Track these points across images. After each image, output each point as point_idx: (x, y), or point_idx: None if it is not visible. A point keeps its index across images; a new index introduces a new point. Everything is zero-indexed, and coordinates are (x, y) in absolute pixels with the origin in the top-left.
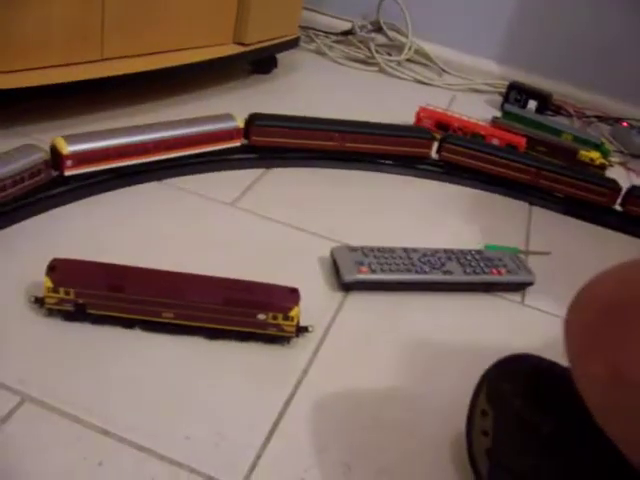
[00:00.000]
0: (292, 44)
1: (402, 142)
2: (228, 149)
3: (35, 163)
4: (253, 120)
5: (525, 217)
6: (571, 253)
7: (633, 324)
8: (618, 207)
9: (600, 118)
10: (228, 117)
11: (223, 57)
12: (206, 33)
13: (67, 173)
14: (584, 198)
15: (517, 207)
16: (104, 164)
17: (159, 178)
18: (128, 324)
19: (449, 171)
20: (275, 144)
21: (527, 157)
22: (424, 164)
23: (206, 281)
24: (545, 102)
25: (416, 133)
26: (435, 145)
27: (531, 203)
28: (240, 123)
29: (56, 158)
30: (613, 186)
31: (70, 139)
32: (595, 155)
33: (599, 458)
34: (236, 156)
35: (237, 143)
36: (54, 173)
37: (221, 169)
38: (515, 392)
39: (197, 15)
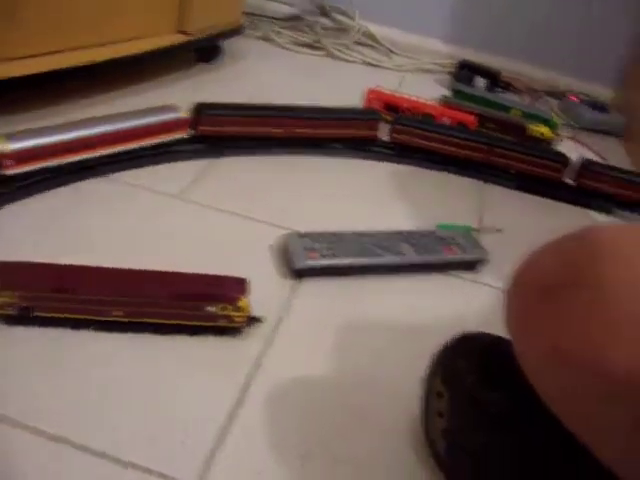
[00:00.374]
0: (237, 31)
1: (352, 125)
2: (175, 140)
3: None
4: (200, 110)
5: (478, 195)
6: (524, 228)
7: (573, 303)
8: (569, 181)
9: (549, 93)
10: (172, 108)
11: (166, 47)
12: (148, 23)
13: (8, 172)
14: (536, 174)
15: (470, 185)
16: (47, 161)
17: (104, 173)
18: (77, 325)
19: (400, 152)
20: (223, 133)
21: (479, 135)
22: (375, 146)
23: (153, 276)
24: (494, 79)
25: (366, 115)
26: (386, 127)
27: (484, 181)
28: (184, 113)
29: None
30: (563, 160)
31: (10, 137)
32: (544, 130)
33: (548, 434)
34: (183, 147)
35: (183, 134)
36: None
37: (168, 161)
38: (468, 370)
39: (138, 5)
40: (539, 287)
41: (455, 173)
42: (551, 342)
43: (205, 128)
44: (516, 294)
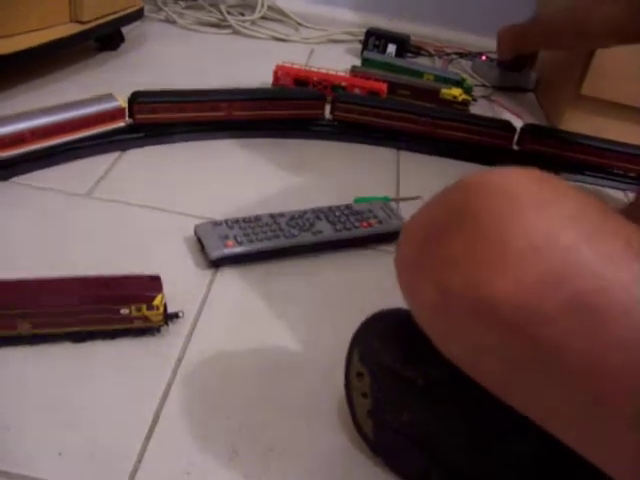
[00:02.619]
0: (137, 15)
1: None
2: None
3: None
4: (135, 98)
5: (394, 164)
6: None
7: (452, 242)
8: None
9: (460, 55)
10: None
11: (62, 38)
12: (39, 16)
13: None
14: (485, 143)
15: (385, 155)
16: None
17: (5, 177)
18: None
19: (310, 128)
20: (159, 120)
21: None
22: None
23: (61, 283)
24: (404, 45)
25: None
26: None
27: (399, 148)
28: (122, 102)
29: None
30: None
31: None
32: (457, 92)
33: (469, 404)
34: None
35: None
36: None
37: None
38: (386, 348)
39: None
40: (421, 237)
41: (371, 144)
42: (437, 284)
43: (142, 116)
44: (401, 249)
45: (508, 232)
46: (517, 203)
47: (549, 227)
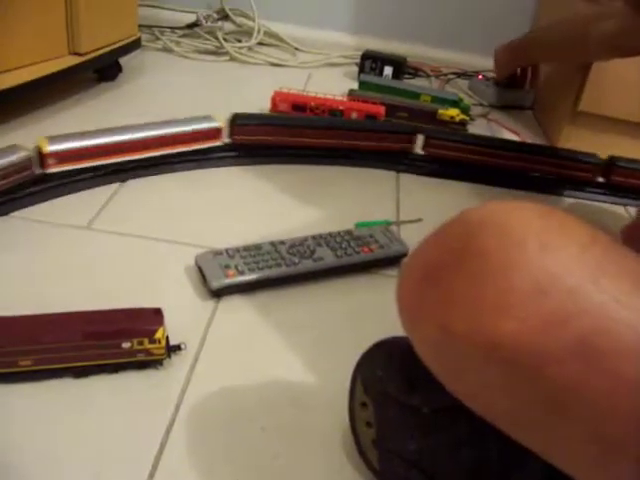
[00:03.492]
0: (134, 46)
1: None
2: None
3: None
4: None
5: (393, 187)
6: (442, 216)
7: (453, 282)
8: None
9: (457, 75)
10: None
11: (61, 71)
12: (37, 48)
13: None
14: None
15: (384, 178)
16: None
17: (4, 212)
18: None
19: (306, 154)
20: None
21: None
22: (284, 152)
23: (62, 319)
24: (400, 66)
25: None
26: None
27: (398, 171)
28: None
29: None
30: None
31: None
32: (454, 112)
33: (475, 431)
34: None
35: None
36: None
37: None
38: (389, 377)
39: (22, 30)
40: (422, 275)
41: (370, 167)
42: (439, 324)
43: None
44: (402, 287)
45: (512, 273)
46: (521, 244)
47: (554, 268)
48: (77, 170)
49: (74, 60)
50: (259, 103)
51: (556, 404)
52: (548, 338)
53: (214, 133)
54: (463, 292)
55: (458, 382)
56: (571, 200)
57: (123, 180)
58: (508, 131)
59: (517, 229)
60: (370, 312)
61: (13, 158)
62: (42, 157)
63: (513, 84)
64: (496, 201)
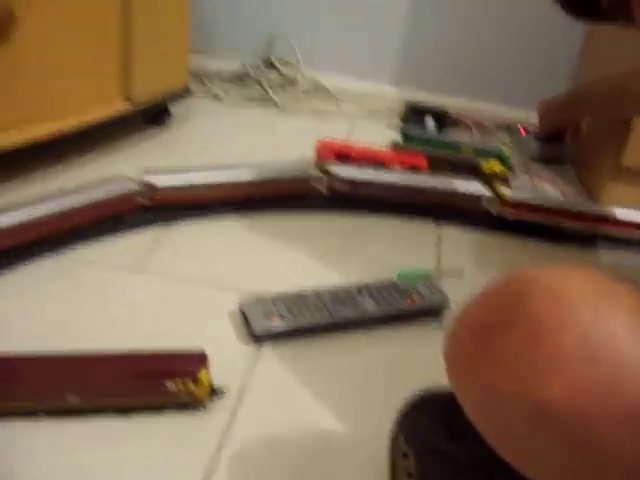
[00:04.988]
0: (184, 93)
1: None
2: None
3: None
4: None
5: (435, 239)
6: (483, 269)
7: (504, 342)
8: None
9: (499, 127)
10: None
11: (113, 115)
12: (92, 95)
13: None
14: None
15: (425, 229)
16: None
17: (56, 251)
18: (31, 414)
19: (346, 203)
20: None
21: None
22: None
23: (109, 357)
24: (443, 118)
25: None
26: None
27: (438, 223)
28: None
29: None
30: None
31: None
32: (496, 165)
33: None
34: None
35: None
36: None
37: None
38: (431, 428)
39: (79, 77)
40: (472, 333)
41: (408, 218)
42: (489, 385)
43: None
44: (451, 343)
45: (564, 338)
46: (574, 309)
47: (605, 335)
48: (127, 211)
49: (126, 106)
50: (303, 152)
51: (600, 469)
52: (596, 405)
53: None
54: (514, 352)
55: (502, 439)
56: (619, 256)
57: (172, 222)
58: (549, 185)
59: (571, 294)
60: (410, 362)
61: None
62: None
63: (554, 138)
64: (550, 264)
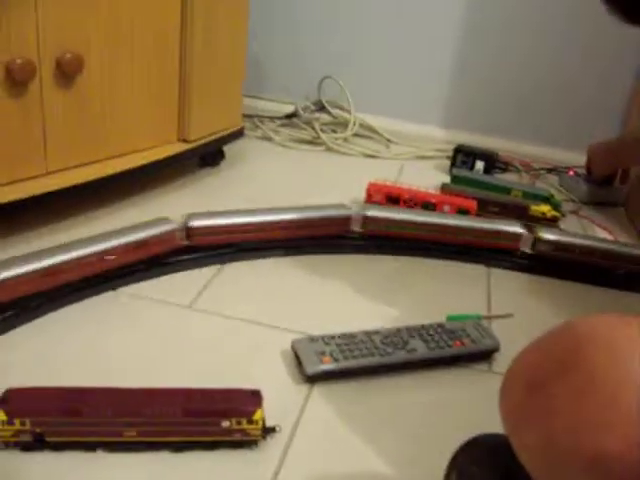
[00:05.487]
0: (237, 134)
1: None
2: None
3: None
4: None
5: (484, 281)
6: (533, 312)
7: (558, 393)
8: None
9: (548, 170)
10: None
11: (169, 156)
12: (150, 135)
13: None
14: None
15: (474, 271)
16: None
17: (113, 288)
18: (90, 447)
19: (392, 244)
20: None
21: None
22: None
23: (165, 394)
24: (492, 161)
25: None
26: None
27: (487, 265)
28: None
29: None
30: None
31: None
32: (545, 209)
33: None
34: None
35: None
36: None
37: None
38: (483, 476)
39: (139, 119)
40: (526, 383)
41: (457, 260)
42: (544, 435)
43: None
44: (506, 392)
45: (618, 390)
46: (628, 361)
47: None
48: (181, 249)
49: (182, 147)
50: (353, 193)
51: None
52: None
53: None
54: (568, 404)
55: None
56: None
57: (224, 262)
58: (600, 228)
59: (625, 346)
60: (460, 406)
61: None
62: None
63: (604, 180)
64: (603, 314)
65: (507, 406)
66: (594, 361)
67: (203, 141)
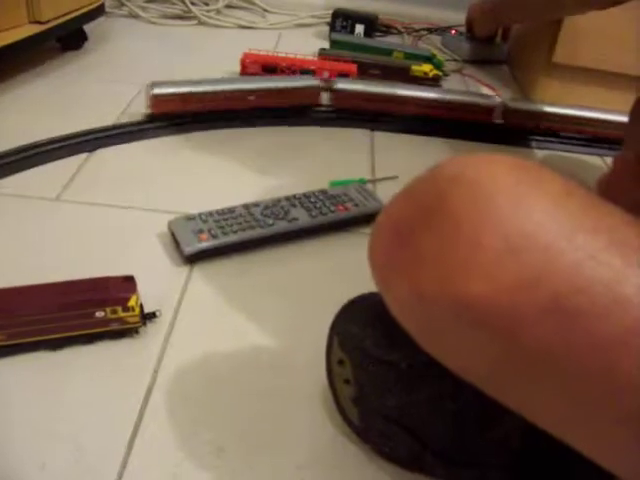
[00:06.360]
0: (98, 12)
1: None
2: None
3: None
4: None
5: (367, 144)
6: (419, 172)
7: (423, 241)
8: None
9: (429, 30)
10: None
11: (21, 40)
12: None
13: None
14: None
15: (357, 136)
16: None
17: None
18: None
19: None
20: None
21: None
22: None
23: (34, 291)
24: (372, 24)
25: None
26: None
27: (372, 129)
28: None
29: None
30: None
31: None
32: (427, 68)
33: (453, 384)
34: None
35: None
36: None
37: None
38: (365, 333)
39: None
40: (394, 233)
41: (342, 126)
42: (409, 285)
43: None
44: (373, 245)
45: (482, 231)
46: (492, 200)
47: (526, 225)
48: (45, 141)
49: (35, 29)
50: (228, 66)
51: (530, 365)
52: (520, 299)
53: None
54: (433, 252)
55: (432, 342)
56: (546, 152)
57: (91, 150)
58: (483, 86)
59: (488, 184)
60: (346, 271)
61: None
62: None
63: (486, 38)
64: (466, 155)
65: (375, 259)
66: (457, 203)
67: (58, 21)
